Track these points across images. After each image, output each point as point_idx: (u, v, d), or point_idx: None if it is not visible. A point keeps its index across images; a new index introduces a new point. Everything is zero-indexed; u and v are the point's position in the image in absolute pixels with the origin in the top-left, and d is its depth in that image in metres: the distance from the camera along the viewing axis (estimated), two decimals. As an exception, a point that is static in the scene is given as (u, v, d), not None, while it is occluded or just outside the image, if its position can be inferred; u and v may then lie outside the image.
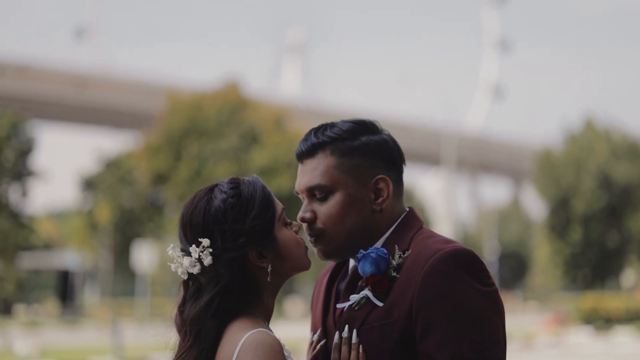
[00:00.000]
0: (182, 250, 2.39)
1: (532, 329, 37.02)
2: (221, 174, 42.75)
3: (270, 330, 2.32)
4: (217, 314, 2.30)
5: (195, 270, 2.34)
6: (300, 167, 2.52)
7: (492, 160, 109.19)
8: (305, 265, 2.42)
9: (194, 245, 2.35)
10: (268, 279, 2.36)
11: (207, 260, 2.33)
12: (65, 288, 48.34)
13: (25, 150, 46.55)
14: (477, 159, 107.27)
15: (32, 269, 49.96)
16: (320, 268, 2.64)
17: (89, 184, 52.41)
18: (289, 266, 2.39)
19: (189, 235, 2.38)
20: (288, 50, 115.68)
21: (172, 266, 2.41)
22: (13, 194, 46.69)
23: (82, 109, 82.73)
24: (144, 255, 37.58)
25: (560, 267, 46.75)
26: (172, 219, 48.49)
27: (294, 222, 2.45)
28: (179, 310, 2.38)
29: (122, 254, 51.65)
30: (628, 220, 45.23)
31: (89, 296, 62.07)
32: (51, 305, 51.35)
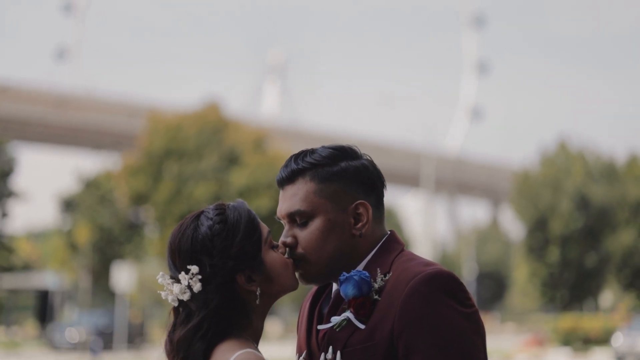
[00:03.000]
0: (171, 277, 2.42)
1: (510, 350, 37.15)
2: (201, 194, 42.69)
3: (259, 352, 2.36)
4: (205, 337, 2.34)
5: (186, 297, 2.37)
6: (281, 193, 2.55)
7: (470, 181, 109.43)
8: (293, 286, 2.48)
9: (183, 273, 2.38)
10: (257, 302, 2.41)
11: (197, 286, 2.36)
12: (44, 309, 47.96)
13: (6, 171, 46.43)
14: (455, 180, 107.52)
15: (11, 289, 49.70)
16: (304, 289, 2.74)
17: (69, 205, 52.20)
18: (277, 288, 2.45)
19: (178, 263, 2.40)
20: (268, 71, 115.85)
21: (163, 294, 2.43)
22: (-8, 215, 46.58)
23: (62, 130, 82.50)
24: (123, 276, 37.44)
25: (539, 287, 46.80)
26: (152, 240, 48.29)
27: (280, 244, 2.49)
28: (168, 336, 2.41)
29: (101, 274, 51.37)
30: (605, 241, 45.31)
31: (68, 316, 61.65)
32: (30, 326, 50.98)
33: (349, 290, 2.41)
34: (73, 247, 49.36)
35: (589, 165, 45.74)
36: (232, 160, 44.68)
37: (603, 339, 42.57)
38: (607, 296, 66.92)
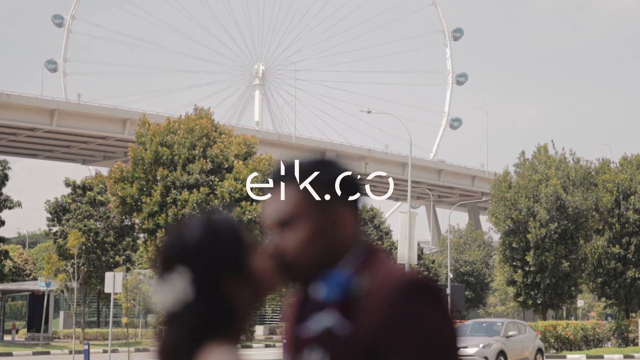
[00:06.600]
0: (160, 283, 2.43)
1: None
2: (190, 201, 43.38)
3: (243, 355, 2.41)
4: (194, 341, 2.38)
5: (174, 303, 2.40)
6: (266, 199, 2.61)
7: (451, 187, 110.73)
8: (277, 288, 2.55)
9: (172, 278, 2.40)
10: (244, 306, 2.45)
11: (186, 292, 2.39)
12: (35, 315, 47.73)
13: (0, 179, 47.03)
14: (436, 185, 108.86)
15: (2, 295, 50.12)
16: (287, 292, 3.54)
17: (60, 211, 52.47)
18: (263, 290, 2.49)
19: (167, 269, 2.42)
20: (253, 82, 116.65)
21: (152, 300, 2.66)
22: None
23: (53, 138, 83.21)
24: (115, 283, 38.02)
25: (515, 292, 46.97)
26: (142, 246, 48.69)
27: (264, 248, 2.55)
28: (158, 342, 2.44)
29: (92, 281, 51.45)
30: (582, 247, 45.41)
31: (59, 323, 61.83)
32: (21, 332, 51.33)
33: (330, 294, 2.47)
34: (64, 253, 49.67)
35: (567, 171, 45.41)
36: (220, 168, 45.15)
37: (579, 344, 43.58)
38: (583, 301, 68.01)
